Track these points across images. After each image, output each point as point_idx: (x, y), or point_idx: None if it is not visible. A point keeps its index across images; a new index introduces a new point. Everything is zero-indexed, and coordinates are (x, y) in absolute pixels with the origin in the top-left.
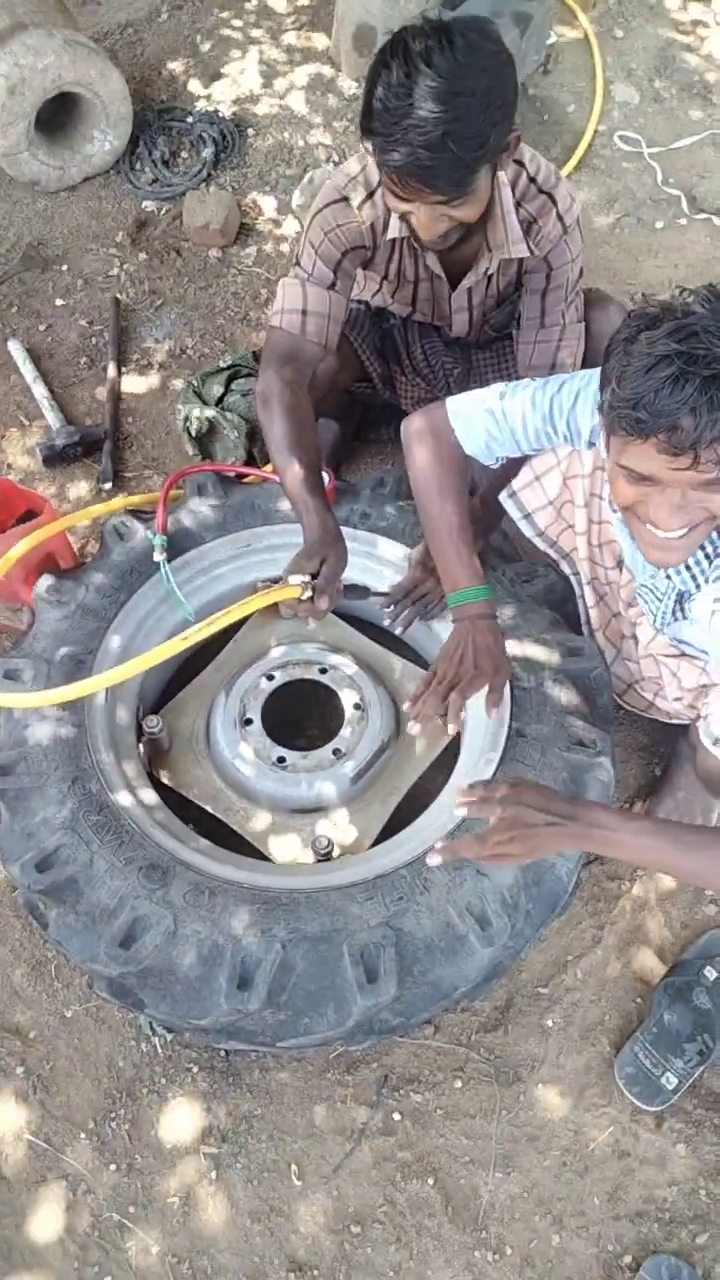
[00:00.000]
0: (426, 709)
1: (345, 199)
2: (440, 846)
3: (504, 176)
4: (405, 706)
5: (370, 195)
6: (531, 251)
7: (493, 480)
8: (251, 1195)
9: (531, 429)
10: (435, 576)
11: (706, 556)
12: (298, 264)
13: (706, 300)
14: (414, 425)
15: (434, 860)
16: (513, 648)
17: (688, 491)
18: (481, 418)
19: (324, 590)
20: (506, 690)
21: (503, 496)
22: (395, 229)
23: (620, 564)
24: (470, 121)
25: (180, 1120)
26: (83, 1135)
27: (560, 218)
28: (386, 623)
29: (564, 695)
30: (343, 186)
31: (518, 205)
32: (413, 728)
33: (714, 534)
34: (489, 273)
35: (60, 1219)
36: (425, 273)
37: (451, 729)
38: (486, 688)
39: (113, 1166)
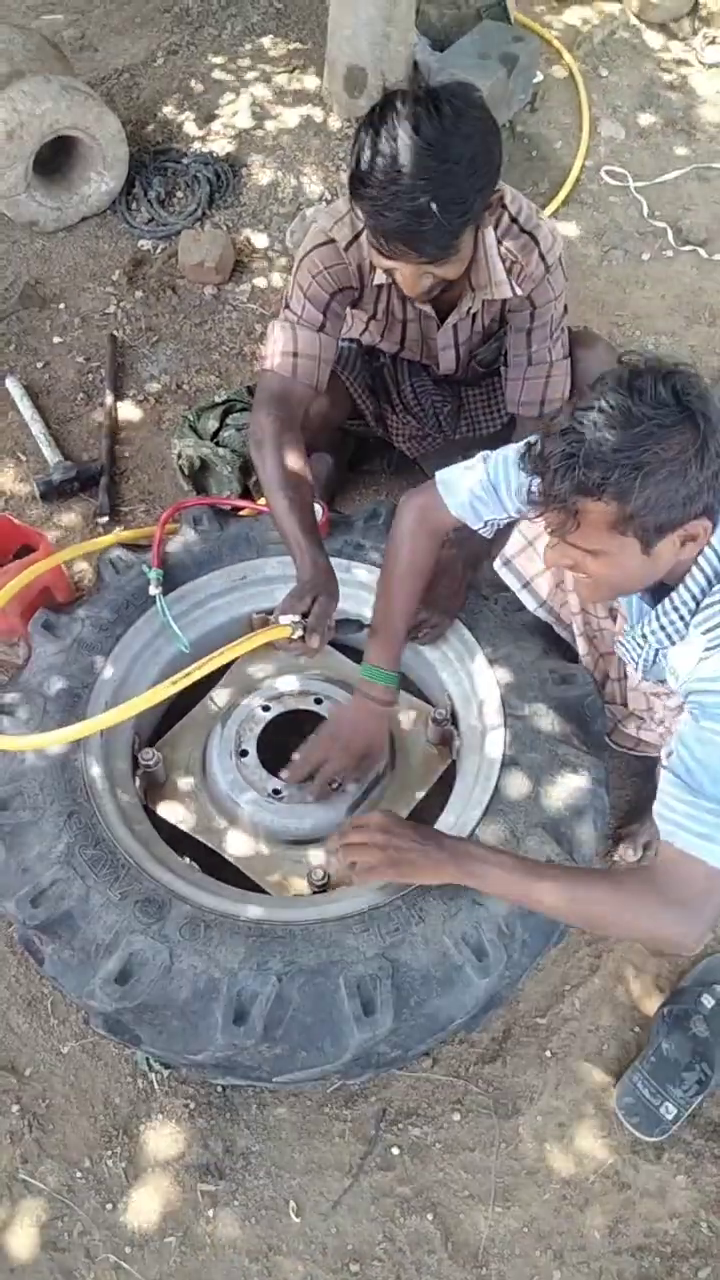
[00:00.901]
0: (293, 775)
1: (332, 241)
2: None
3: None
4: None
5: (356, 237)
6: (514, 291)
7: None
8: (249, 1233)
9: (514, 487)
10: (425, 608)
11: (680, 617)
12: (287, 306)
13: (611, 395)
14: (408, 504)
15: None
16: (505, 675)
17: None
18: (466, 480)
19: (315, 629)
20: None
21: (497, 565)
22: (381, 275)
23: (613, 614)
24: (456, 188)
25: (177, 1158)
26: (78, 1173)
27: (542, 257)
28: None
29: (557, 723)
30: (329, 229)
31: (500, 244)
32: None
33: (686, 595)
34: (472, 312)
35: (56, 1261)
36: (413, 312)
37: (309, 799)
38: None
39: (109, 1205)
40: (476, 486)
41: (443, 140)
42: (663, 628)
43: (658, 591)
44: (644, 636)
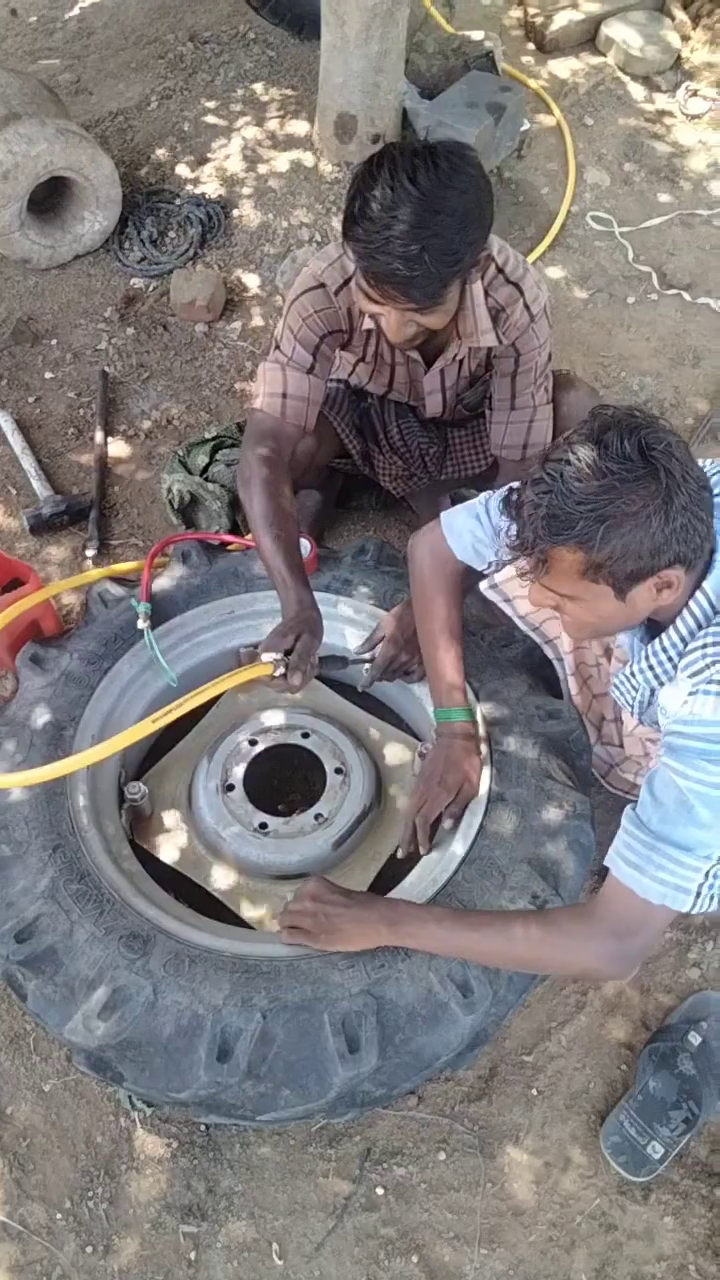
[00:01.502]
0: (402, 835)
1: (322, 285)
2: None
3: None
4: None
5: (347, 282)
6: (500, 340)
7: None
8: (231, 1277)
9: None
10: (407, 650)
11: (669, 659)
12: (278, 348)
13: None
14: (416, 543)
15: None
16: (491, 711)
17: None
18: (467, 522)
19: (297, 667)
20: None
21: (483, 587)
22: (369, 320)
23: (609, 653)
24: (447, 239)
25: (159, 1198)
26: (59, 1215)
27: (527, 307)
28: (361, 686)
29: (543, 758)
30: (320, 273)
31: (486, 294)
32: (400, 853)
33: (675, 637)
34: (458, 358)
35: None
36: (401, 357)
37: (423, 852)
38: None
39: (89, 1248)
40: (476, 529)
41: (438, 193)
42: (651, 668)
43: (653, 630)
44: (633, 674)
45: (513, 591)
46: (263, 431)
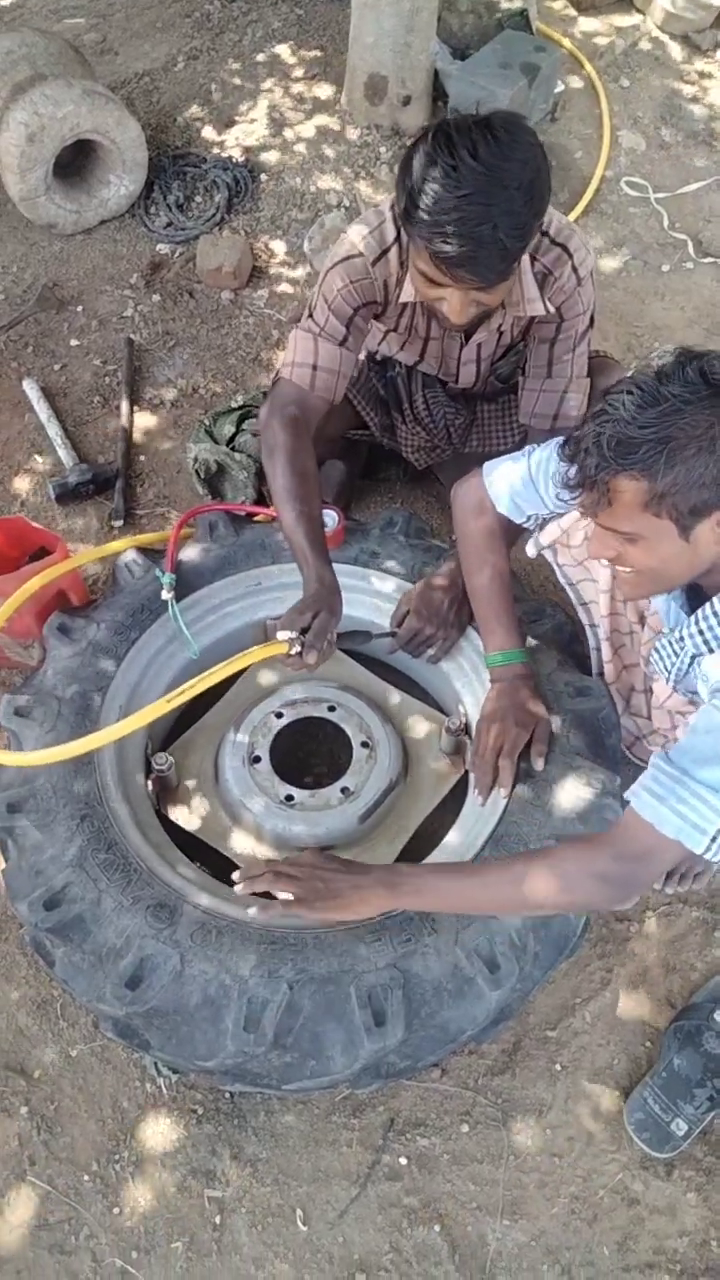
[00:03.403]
0: (483, 779)
1: (360, 255)
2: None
3: None
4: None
5: (384, 252)
6: (546, 308)
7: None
8: (255, 1241)
9: (553, 474)
10: (432, 622)
11: None
12: (310, 316)
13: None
14: (459, 492)
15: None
16: None
17: (598, 528)
18: (509, 475)
19: (313, 645)
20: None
21: (529, 547)
22: (409, 294)
23: (643, 620)
24: (516, 214)
25: (184, 1163)
26: (85, 1177)
27: (575, 270)
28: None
29: (571, 735)
30: (358, 242)
31: (534, 259)
32: (477, 800)
33: None
34: (500, 328)
35: (62, 1264)
36: (437, 329)
37: (503, 793)
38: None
39: (116, 1210)
40: (517, 481)
41: (502, 165)
42: (701, 633)
43: (695, 599)
44: (680, 640)
45: (545, 540)
46: (289, 401)
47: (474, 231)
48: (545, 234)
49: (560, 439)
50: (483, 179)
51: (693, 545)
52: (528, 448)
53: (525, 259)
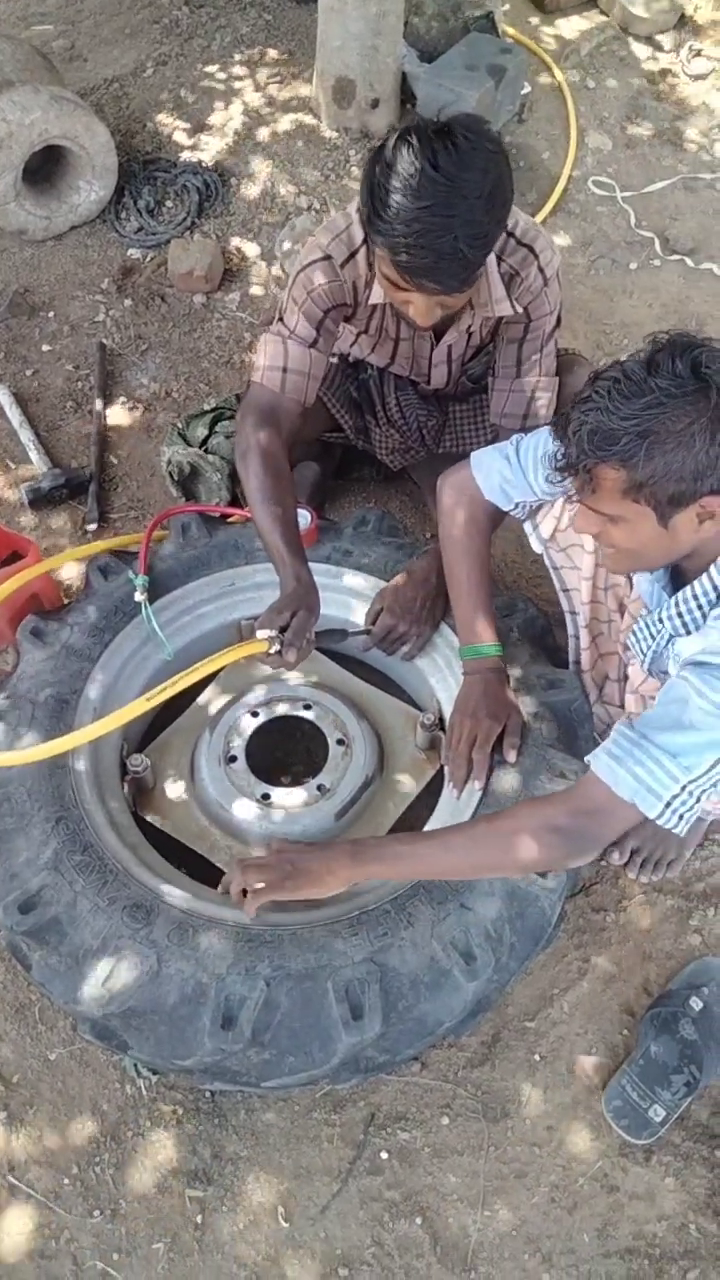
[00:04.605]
0: (457, 772)
1: (328, 258)
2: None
3: None
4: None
5: (353, 255)
6: (514, 309)
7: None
8: (238, 1239)
9: (543, 471)
10: (405, 620)
11: (699, 607)
12: (280, 320)
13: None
14: (444, 483)
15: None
16: None
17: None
18: (496, 462)
19: (292, 643)
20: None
21: (527, 529)
22: (378, 296)
23: (622, 609)
24: (477, 223)
25: (165, 1163)
26: (66, 1180)
27: (541, 270)
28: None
29: (545, 728)
30: (326, 245)
31: (500, 260)
32: (453, 792)
33: (708, 585)
34: (469, 329)
35: (42, 1268)
36: (407, 331)
37: (478, 785)
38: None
39: (96, 1213)
40: (505, 469)
41: (461, 175)
42: (680, 615)
43: (678, 581)
44: (660, 621)
45: (546, 533)
46: (261, 404)
47: (434, 243)
48: (511, 235)
49: (541, 432)
50: (443, 189)
51: (671, 532)
52: (515, 437)
53: (492, 259)
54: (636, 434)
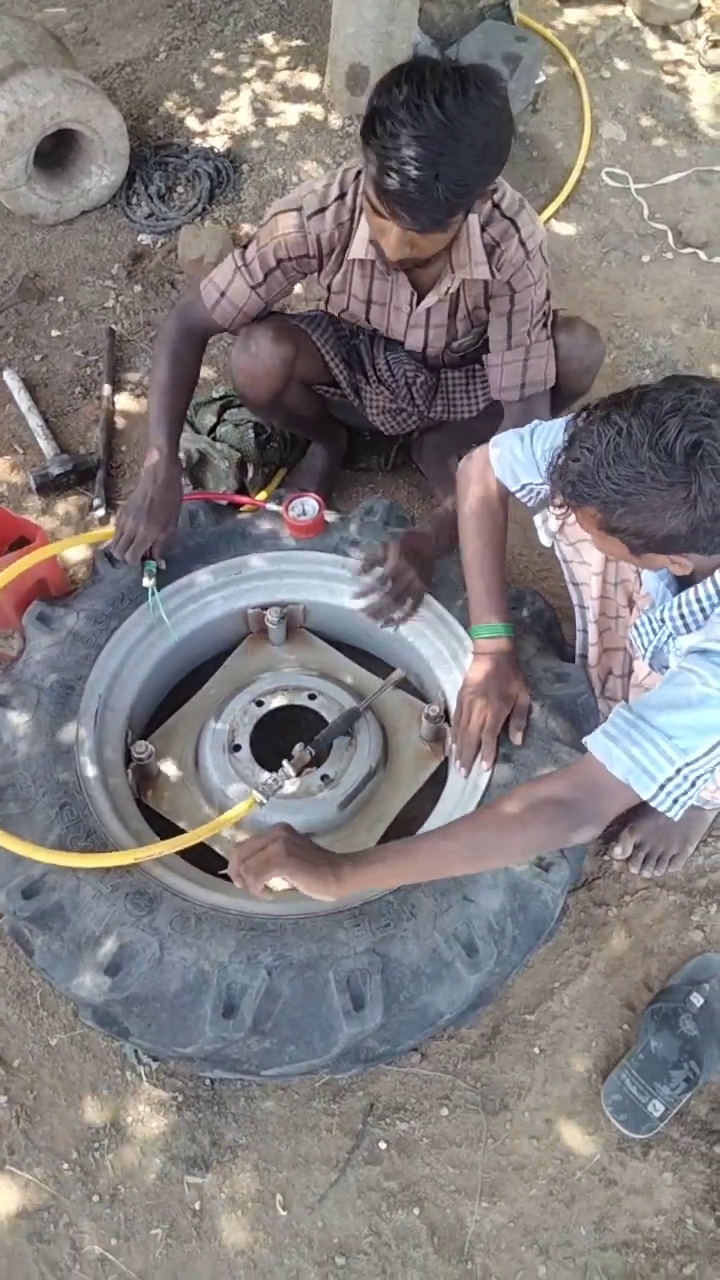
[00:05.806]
0: (466, 752)
1: (298, 209)
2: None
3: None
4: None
5: (322, 209)
6: (493, 274)
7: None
8: (235, 1227)
9: (550, 448)
10: (415, 568)
11: (701, 609)
12: (245, 248)
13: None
14: (465, 464)
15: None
16: None
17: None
18: (510, 442)
19: (124, 554)
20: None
21: (537, 520)
22: (359, 250)
23: (632, 604)
24: (464, 169)
25: (164, 1150)
26: (65, 1165)
27: (523, 243)
28: (359, 604)
29: (550, 720)
30: (301, 196)
31: (483, 229)
32: (460, 773)
33: (712, 589)
34: (449, 291)
35: (41, 1252)
36: (380, 295)
37: (485, 766)
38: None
39: (95, 1198)
40: (517, 449)
41: (462, 120)
42: (681, 616)
43: (683, 580)
44: (662, 620)
45: (554, 525)
46: (190, 311)
47: (417, 175)
48: (497, 206)
49: (559, 423)
50: (441, 128)
51: (645, 561)
52: (534, 422)
53: (475, 224)
54: (617, 496)
